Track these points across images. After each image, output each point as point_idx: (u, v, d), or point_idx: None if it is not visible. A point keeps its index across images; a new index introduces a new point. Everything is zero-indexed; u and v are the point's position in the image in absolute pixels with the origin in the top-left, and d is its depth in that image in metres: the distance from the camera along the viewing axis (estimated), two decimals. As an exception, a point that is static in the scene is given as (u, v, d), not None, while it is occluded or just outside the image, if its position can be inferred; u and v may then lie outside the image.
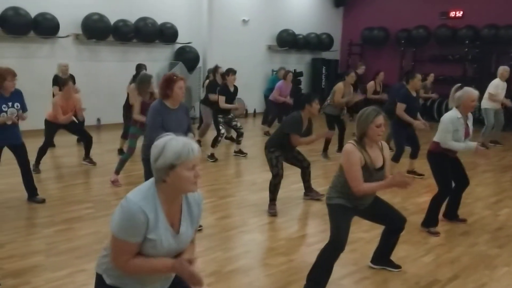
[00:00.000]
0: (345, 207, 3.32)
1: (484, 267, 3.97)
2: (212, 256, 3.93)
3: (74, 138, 8.12)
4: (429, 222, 4.68)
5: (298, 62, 13.88)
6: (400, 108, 6.26)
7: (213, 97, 7.83)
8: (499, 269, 3.95)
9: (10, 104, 4.74)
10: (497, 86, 8.61)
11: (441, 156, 4.56)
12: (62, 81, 6.48)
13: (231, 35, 11.90)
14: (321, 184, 5.88)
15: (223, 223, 4.83)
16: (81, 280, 3.48)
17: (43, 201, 5.16)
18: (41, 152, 6.38)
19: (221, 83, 7.83)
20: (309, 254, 4.01)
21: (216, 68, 8.44)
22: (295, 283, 3.54)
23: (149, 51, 10.60)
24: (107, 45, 9.98)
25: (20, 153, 5.01)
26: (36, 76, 8.63)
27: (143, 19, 10.13)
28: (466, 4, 12.68)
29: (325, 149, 7.80)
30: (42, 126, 6.64)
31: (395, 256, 3.85)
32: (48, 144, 6.56)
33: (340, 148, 7.53)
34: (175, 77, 4.10)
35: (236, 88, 7.56)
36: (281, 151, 5.10)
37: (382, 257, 3.80)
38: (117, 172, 5.86)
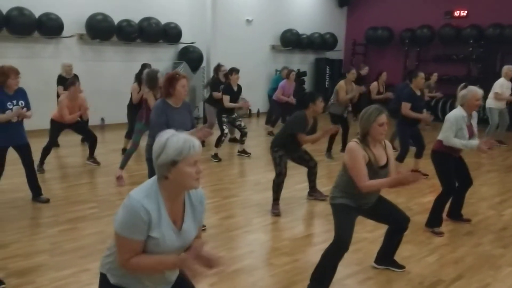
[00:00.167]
0: (349, 206, 3.31)
1: (488, 267, 3.96)
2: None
3: (78, 138, 8.15)
4: (433, 222, 4.67)
5: (301, 62, 13.87)
6: (406, 107, 6.25)
7: (217, 95, 7.84)
8: (504, 269, 3.93)
9: (14, 102, 4.76)
10: (502, 85, 8.60)
11: (445, 156, 4.55)
12: (69, 81, 6.49)
13: (234, 34, 11.91)
14: (325, 184, 5.87)
15: (227, 223, 4.83)
16: (85, 280, 3.49)
17: (47, 201, 5.19)
18: (45, 152, 6.41)
19: (224, 82, 7.84)
20: (313, 254, 4.00)
21: (218, 66, 8.47)
22: (299, 283, 3.54)
23: (153, 51, 10.63)
24: (111, 45, 10.01)
25: (24, 153, 5.03)
26: (41, 76, 8.67)
27: (147, 19, 10.15)
28: (470, 4, 12.63)
29: (329, 149, 7.79)
30: (46, 126, 6.68)
31: (399, 256, 3.84)
32: (52, 144, 6.59)
33: (344, 148, 7.51)
34: (177, 75, 4.11)
35: (239, 87, 7.56)
36: (285, 151, 5.10)
37: (386, 257, 3.79)
38: (122, 167, 5.92)
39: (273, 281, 3.64)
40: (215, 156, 7.42)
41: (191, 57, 10.92)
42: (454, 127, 4.40)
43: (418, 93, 6.47)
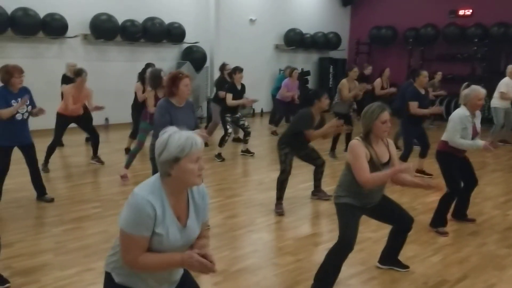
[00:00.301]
0: (353, 206, 3.30)
1: (493, 267, 3.94)
2: (219, 255, 3.93)
3: (82, 137, 8.18)
4: (438, 222, 4.65)
5: (305, 61, 13.85)
6: (413, 106, 6.22)
7: (222, 94, 7.86)
8: (509, 270, 3.91)
9: (19, 100, 4.79)
10: (507, 84, 8.55)
11: (450, 156, 4.53)
12: (76, 72, 6.51)
13: (238, 34, 11.91)
14: (328, 184, 5.86)
15: (230, 223, 4.83)
16: (89, 279, 3.50)
17: (51, 200, 5.21)
18: (50, 150, 6.44)
19: (228, 81, 7.86)
20: (317, 253, 4.00)
21: (223, 66, 8.51)
22: (303, 283, 3.53)
23: (156, 51, 10.64)
24: (115, 45, 10.03)
25: (29, 153, 5.06)
26: (45, 76, 8.70)
27: (151, 19, 10.17)
28: (475, 2, 12.58)
29: (333, 148, 7.78)
30: (50, 125, 6.70)
31: (403, 256, 3.83)
32: (57, 141, 6.62)
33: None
34: (180, 74, 4.12)
35: (243, 86, 7.56)
36: (291, 149, 5.09)
37: (390, 257, 3.78)
38: (127, 166, 5.94)
39: (277, 280, 3.64)
40: (219, 155, 7.42)
41: (195, 57, 10.93)
42: (458, 127, 4.38)
43: (422, 91, 6.45)
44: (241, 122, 7.62)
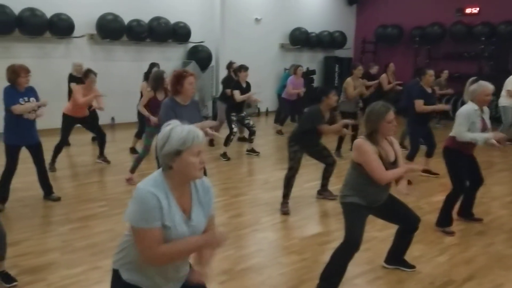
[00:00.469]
0: (359, 205, 3.29)
1: (500, 267, 3.91)
2: (224, 254, 3.93)
3: (88, 137, 8.22)
4: (443, 221, 4.62)
5: (310, 60, 13.82)
6: (419, 104, 6.19)
7: (228, 92, 7.87)
8: (516, 270, 3.89)
9: (26, 98, 4.83)
10: (514, 83, 8.48)
11: (457, 153, 4.49)
12: (85, 72, 6.59)
13: (243, 33, 11.91)
14: (333, 183, 5.84)
15: (235, 222, 4.83)
16: (96, 277, 3.52)
17: (58, 199, 5.24)
18: (57, 150, 6.48)
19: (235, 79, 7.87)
20: (322, 253, 4.00)
21: (230, 64, 8.54)
22: (308, 282, 3.53)
23: (162, 51, 10.67)
24: (121, 44, 10.07)
25: (36, 152, 5.09)
26: (52, 76, 8.75)
27: (157, 19, 10.20)
28: (482, 0, 12.49)
29: (338, 147, 7.77)
30: (57, 125, 6.74)
31: (409, 256, 3.81)
32: (64, 140, 6.67)
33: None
34: (185, 73, 4.12)
35: (248, 84, 7.57)
36: (301, 146, 5.09)
37: (396, 257, 3.76)
38: (133, 170, 5.90)
39: (282, 280, 3.64)
40: (224, 155, 7.43)
41: (200, 56, 10.94)
42: (466, 121, 4.33)
43: (429, 90, 6.41)
44: (247, 121, 7.62)
